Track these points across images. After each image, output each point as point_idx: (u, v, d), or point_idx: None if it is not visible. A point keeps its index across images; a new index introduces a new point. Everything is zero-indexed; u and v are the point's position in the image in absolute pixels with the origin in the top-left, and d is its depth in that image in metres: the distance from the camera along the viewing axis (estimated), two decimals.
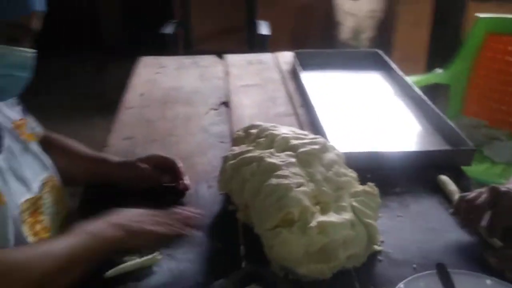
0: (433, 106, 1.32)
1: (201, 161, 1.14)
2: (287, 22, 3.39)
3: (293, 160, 0.87)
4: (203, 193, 1.02)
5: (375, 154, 1.09)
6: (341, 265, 0.78)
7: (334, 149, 0.94)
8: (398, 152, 1.11)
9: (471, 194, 0.87)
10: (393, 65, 1.63)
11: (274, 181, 0.82)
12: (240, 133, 1.01)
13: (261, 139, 0.93)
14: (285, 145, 0.91)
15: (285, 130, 0.96)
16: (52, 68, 3.57)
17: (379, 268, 0.81)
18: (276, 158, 0.87)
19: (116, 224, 0.81)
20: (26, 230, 0.85)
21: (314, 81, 1.57)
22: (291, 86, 1.57)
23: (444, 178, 1.03)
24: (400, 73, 1.56)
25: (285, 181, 0.81)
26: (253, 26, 2.81)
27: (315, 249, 0.76)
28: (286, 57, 1.81)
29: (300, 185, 0.82)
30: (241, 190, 0.87)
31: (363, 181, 0.90)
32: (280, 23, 3.30)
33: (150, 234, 0.83)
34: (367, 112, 1.39)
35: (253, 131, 0.97)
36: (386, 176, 1.05)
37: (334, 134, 1.17)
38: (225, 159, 0.94)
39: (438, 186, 1.02)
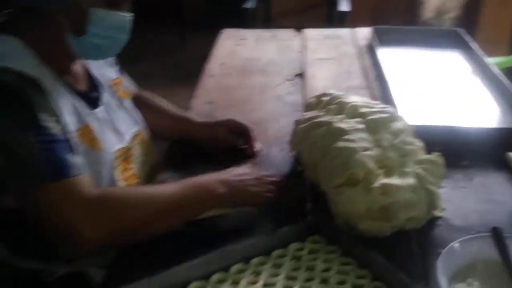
0: (510, 86, 1.30)
1: (274, 127, 1.21)
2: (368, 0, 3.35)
3: (361, 126, 0.92)
4: (275, 155, 1.10)
5: (444, 127, 1.12)
6: (401, 225, 0.83)
7: (403, 119, 0.97)
8: (468, 127, 1.13)
9: None
10: (473, 45, 1.60)
11: (341, 144, 0.88)
12: (312, 99, 1.07)
13: (332, 106, 0.99)
14: (354, 112, 0.96)
15: (355, 98, 1.01)
16: (137, 38, 3.78)
17: (438, 232, 0.85)
18: (344, 124, 0.92)
19: (222, 181, 0.88)
20: (117, 175, 0.97)
21: (390, 57, 1.58)
22: (367, 61, 1.60)
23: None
24: (480, 52, 1.54)
25: (352, 145, 0.87)
26: (333, 2, 2.82)
27: (376, 207, 0.82)
28: (364, 32, 1.82)
29: (366, 149, 0.87)
30: (310, 151, 0.94)
31: (431, 152, 0.93)
32: (361, 1, 3.27)
33: (251, 196, 0.90)
34: (442, 89, 1.39)
35: (325, 98, 1.03)
36: (454, 150, 1.06)
37: (406, 107, 1.20)
38: (297, 123, 1.01)
39: (506, 163, 1.03)
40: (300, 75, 1.52)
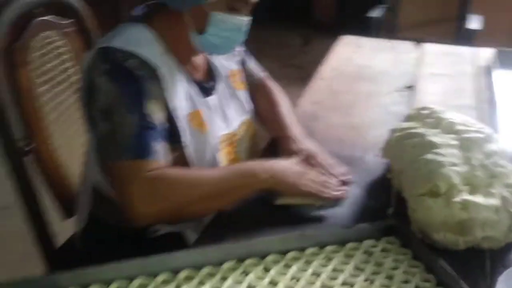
0: None
1: (373, 134, 1.27)
2: (507, 17, 3.17)
3: (454, 142, 0.95)
4: (369, 160, 1.16)
5: None
6: (476, 242, 0.86)
7: (499, 142, 0.98)
8: None
9: None
10: None
11: (429, 156, 0.92)
12: (413, 111, 1.11)
13: (429, 120, 1.03)
14: (450, 128, 0.99)
15: (454, 115, 1.03)
16: (262, 37, 3.98)
17: None
18: (438, 138, 0.96)
19: (266, 169, 0.96)
20: (220, 157, 1.09)
21: (510, 80, 1.54)
22: (482, 82, 1.57)
23: None
24: None
25: (440, 158, 0.91)
26: (463, 19, 2.74)
27: (453, 221, 0.85)
28: (487, 54, 1.78)
29: (453, 164, 0.90)
30: (399, 159, 0.99)
31: None
32: (497, 18, 3.12)
33: (295, 189, 0.97)
34: None
35: (425, 112, 1.07)
36: None
37: (509, 131, 1.18)
38: (393, 131, 1.06)
39: None
40: (410, 87, 1.55)
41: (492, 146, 0.96)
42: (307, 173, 1.00)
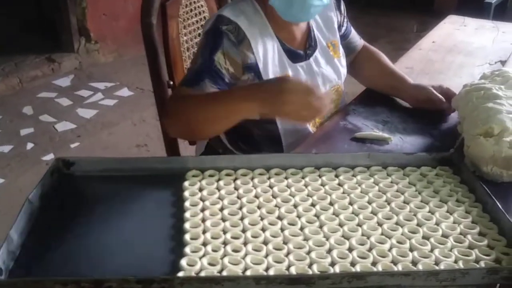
0: None
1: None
2: None
3: None
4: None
5: None
6: None
7: None
8: None
9: None
10: None
11: (490, 104, 1.08)
12: (487, 72, 1.26)
13: (498, 78, 1.18)
14: None
15: None
16: (385, 23, 4.10)
17: None
18: (501, 92, 1.11)
19: (261, 93, 1.06)
20: None
21: None
22: None
23: None
24: None
25: (498, 107, 1.07)
26: None
27: (501, 156, 1.01)
28: None
29: (509, 112, 1.06)
30: (465, 107, 1.16)
31: None
32: None
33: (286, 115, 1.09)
34: None
35: (497, 72, 1.22)
36: None
37: None
38: (464, 86, 1.22)
39: None
40: (503, 62, 1.65)
41: None
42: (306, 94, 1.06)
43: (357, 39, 1.49)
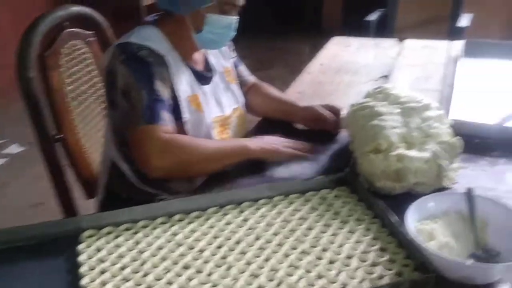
0: None
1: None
2: (497, 15, 3.35)
3: (397, 111, 1.17)
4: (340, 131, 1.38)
5: (479, 124, 1.29)
6: (409, 187, 1.07)
7: (437, 109, 1.19)
8: (501, 126, 1.29)
9: None
10: None
11: (375, 122, 1.14)
12: (370, 91, 1.33)
13: (380, 95, 1.25)
14: (395, 100, 1.20)
15: (401, 91, 1.25)
16: (280, 47, 4.24)
17: None
18: (384, 108, 1.18)
19: (258, 142, 1.24)
20: (214, 134, 1.33)
21: (475, 67, 1.74)
22: (449, 69, 1.78)
23: None
24: None
25: (383, 123, 1.13)
26: (455, 18, 2.93)
27: (391, 170, 1.06)
28: (459, 45, 1.98)
29: (393, 127, 1.12)
30: (354, 126, 1.21)
31: (470, 144, 1.14)
32: (488, 16, 3.30)
33: (278, 153, 1.23)
34: (507, 96, 1.53)
35: (378, 90, 1.29)
36: (490, 144, 1.24)
37: (462, 107, 1.39)
38: (351, 106, 1.28)
39: None
40: (385, 76, 1.76)
41: (430, 113, 1.17)
42: (284, 140, 1.27)
43: (246, 74, 1.54)
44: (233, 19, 1.28)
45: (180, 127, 1.25)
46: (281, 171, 1.21)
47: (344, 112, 1.37)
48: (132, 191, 1.33)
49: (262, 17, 4.82)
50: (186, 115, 1.26)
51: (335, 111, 1.40)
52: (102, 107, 1.57)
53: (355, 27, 3.05)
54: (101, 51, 1.57)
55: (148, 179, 1.30)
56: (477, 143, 1.21)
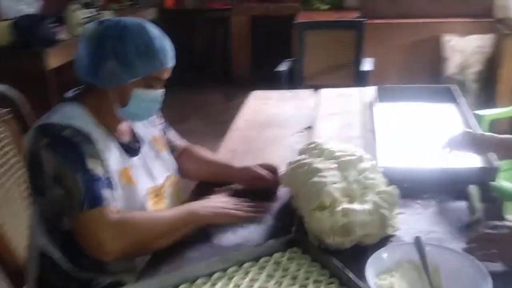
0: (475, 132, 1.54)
1: (283, 169, 1.50)
2: (395, 58, 3.65)
3: (333, 166, 1.20)
4: (279, 189, 1.39)
5: (409, 168, 1.38)
6: (358, 240, 1.09)
7: (369, 160, 1.25)
8: (428, 168, 1.38)
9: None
10: (461, 100, 1.85)
11: (316, 179, 1.17)
12: (303, 147, 1.37)
13: (315, 151, 1.28)
14: (330, 155, 1.25)
15: (334, 145, 1.29)
16: (194, 99, 4.25)
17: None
18: (321, 164, 1.21)
19: (208, 207, 1.22)
20: (149, 207, 1.28)
21: (389, 110, 1.86)
22: (367, 115, 1.88)
23: (471, 190, 1.27)
24: (466, 106, 1.79)
25: (323, 180, 1.15)
26: (358, 63, 3.14)
27: (338, 226, 1.09)
28: (371, 90, 2.11)
29: (334, 183, 1.15)
30: (295, 185, 1.23)
31: (401, 189, 1.18)
32: (388, 60, 3.59)
33: (230, 216, 1.22)
34: (424, 136, 1.64)
35: (311, 145, 1.33)
36: (420, 186, 1.32)
37: (387, 152, 1.47)
38: (289, 163, 1.30)
39: (466, 196, 1.27)
40: (310, 127, 1.82)
41: (364, 165, 1.22)
42: (231, 201, 1.26)
43: (176, 139, 1.52)
44: (159, 93, 1.26)
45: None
46: (229, 238, 1.18)
47: (281, 170, 1.39)
48: (67, 280, 1.24)
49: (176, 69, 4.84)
50: (117, 191, 1.20)
51: (272, 169, 1.41)
52: (23, 190, 1.45)
53: (265, 77, 3.17)
54: (18, 130, 1.47)
55: (84, 264, 1.22)
56: (407, 188, 1.27)
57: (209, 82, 5.03)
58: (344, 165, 1.21)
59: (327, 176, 1.17)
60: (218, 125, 4.13)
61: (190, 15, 4.99)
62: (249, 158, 1.59)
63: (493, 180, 1.32)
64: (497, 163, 1.36)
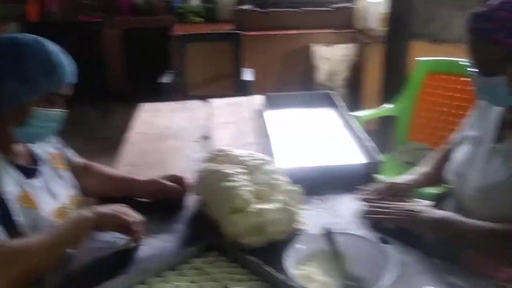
0: (360, 133, 1.72)
1: (188, 178, 1.51)
2: (272, 68, 3.85)
3: (242, 170, 1.26)
4: (186, 198, 1.41)
5: (306, 168, 1.49)
6: (271, 238, 1.16)
7: (273, 163, 1.33)
8: (323, 165, 1.51)
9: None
10: (339, 104, 2.04)
11: (226, 184, 1.21)
12: (209, 155, 1.40)
13: (222, 158, 1.33)
14: (237, 161, 1.30)
15: (239, 151, 1.35)
16: (70, 117, 4.02)
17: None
18: (230, 169, 1.26)
19: (94, 210, 1.16)
20: None
21: (278, 117, 1.98)
22: (259, 122, 1.98)
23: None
24: (344, 110, 1.97)
25: (234, 184, 1.20)
26: (239, 73, 3.26)
27: (252, 226, 1.14)
28: (259, 99, 2.22)
29: (244, 186, 1.20)
30: (207, 192, 1.26)
31: (301, 187, 1.28)
32: (266, 69, 3.77)
33: (117, 219, 1.16)
34: (313, 138, 1.79)
35: (217, 153, 1.37)
36: (317, 183, 1.43)
37: (282, 155, 1.57)
38: (198, 172, 1.33)
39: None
40: (206, 137, 1.86)
41: (269, 167, 1.30)
42: (125, 210, 1.20)
43: (73, 156, 1.46)
44: (60, 112, 1.21)
45: (15, 231, 1.12)
46: (144, 250, 1.17)
47: (186, 179, 1.41)
48: None
49: None
50: (18, 217, 1.13)
51: (177, 179, 1.42)
52: None
53: (146, 90, 3.14)
54: None
55: None
56: (307, 185, 1.37)
57: (85, 98, 4.79)
58: (251, 169, 1.27)
59: (238, 180, 1.22)
60: (99, 142, 4.00)
61: (58, 28, 4.72)
62: (149, 171, 1.58)
63: (377, 173, 1.48)
64: (380, 157, 1.53)
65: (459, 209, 1.20)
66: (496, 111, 1.23)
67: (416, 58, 2.48)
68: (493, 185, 1.13)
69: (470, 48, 1.13)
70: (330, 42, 3.81)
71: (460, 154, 1.30)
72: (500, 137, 1.19)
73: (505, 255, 1.08)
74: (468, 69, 1.16)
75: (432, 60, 2.43)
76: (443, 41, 3.09)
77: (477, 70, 1.13)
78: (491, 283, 1.13)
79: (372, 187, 1.37)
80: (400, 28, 2.87)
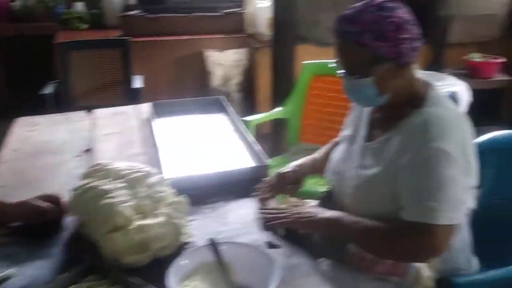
0: (249, 138, 1.72)
1: (66, 197, 1.41)
2: (164, 74, 3.76)
3: (122, 185, 1.19)
4: (64, 219, 1.30)
5: (195, 176, 1.45)
6: (155, 254, 1.10)
7: (157, 174, 1.27)
8: (211, 173, 1.48)
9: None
10: (229, 109, 2.03)
11: (105, 201, 1.13)
12: (88, 170, 1.31)
13: (101, 173, 1.25)
14: (117, 175, 1.23)
15: (119, 164, 1.28)
16: None
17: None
18: (108, 185, 1.18)
19: None
20: None
21: (167, 125, 1.92)
22: (147, 131, 1.91)
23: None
24: (234, 115, 1.97)
25: (113, 200, 1.13)
26: (129, 81, 3.14)
27: (134, 244, 1.08)
28: (146, 107, 2.14)
29: (124, 202, 1.14)
30: (84, 211, 1.17)
31: (190, 197, 1.24)
32: (157, 76, 3.68)
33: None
34: (203, 145, 1.75)
35: (97, 167, 1.28)
36: (206, 191, 1.40)
37: (171, 164, 1.52)
38: (73, 190, 1.24)
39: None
40: (88, 150, 1.75)
41: (152, 179, 1.24)
42: None
43: None
44: None
45: None
46: (14, 281, 1.06)
47: (64, 198, 1.30)
48: None
49: None
50: None
51: (53, 199, 1.31)
52: None
53: (28, 102, 2.90)
54: None
55: None
56: (195, 194, 1.33)
57: None
58: (132, 183, 1.20)
59: (117, 196, 1.15)
60: None
61: None
62: (24, 191, 1.44)
63: (266, 176, 1.49)
64: (268, 161, 1.54)
65: (340, 207, 1.23)
66: (367, 111, 1.28)
67: (303, 62, 2.55)
68: (366, 182, 1.18)
69: (337, 50, 1.16)
70: (222, 48, 3.81)
71: (337, 153, 1.34)
72: (369, 136, 1.24)
73: (383, 250, 1.12)
74: (337, 71, 1.19)
75: (315, 63, 2.51)
76: (328, 44, 3.21)
77: (345, 71, 1.17)
78: (373, 277, 1.18)
79: (264, 183, 1.38)
80: (285, 32, 2.94)
